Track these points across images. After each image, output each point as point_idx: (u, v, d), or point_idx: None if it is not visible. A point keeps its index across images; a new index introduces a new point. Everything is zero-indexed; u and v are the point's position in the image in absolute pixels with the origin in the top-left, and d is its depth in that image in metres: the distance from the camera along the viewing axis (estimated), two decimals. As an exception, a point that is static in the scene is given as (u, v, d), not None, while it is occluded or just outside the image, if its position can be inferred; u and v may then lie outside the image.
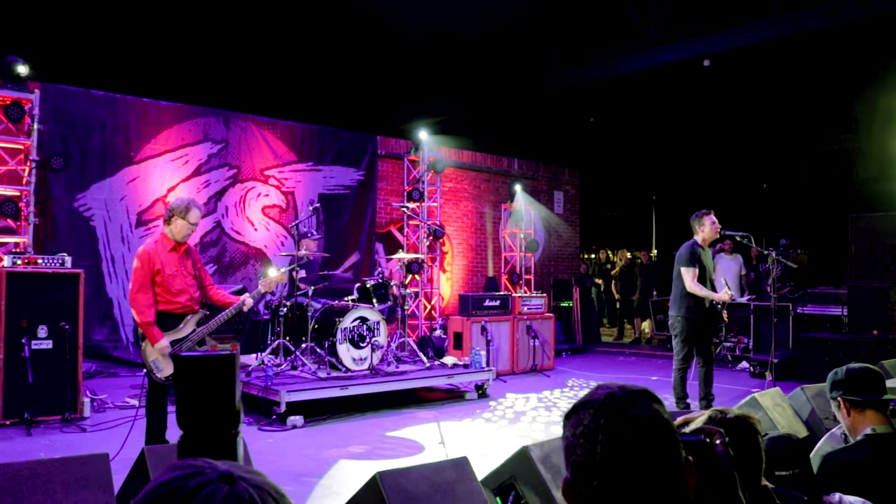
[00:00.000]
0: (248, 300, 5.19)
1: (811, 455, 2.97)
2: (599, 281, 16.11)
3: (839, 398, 2.93)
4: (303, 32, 11.13)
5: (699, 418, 2.15)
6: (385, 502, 2.94)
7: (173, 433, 5.25)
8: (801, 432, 5.22)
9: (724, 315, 7.11)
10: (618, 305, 16.00)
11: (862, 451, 2.75)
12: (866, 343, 8.80)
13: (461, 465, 3.34)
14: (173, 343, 4.98)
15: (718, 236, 7.07)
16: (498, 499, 3.52)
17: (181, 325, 5.01)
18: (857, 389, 2.89)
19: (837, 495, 2.05)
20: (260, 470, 0.82)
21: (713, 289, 7.11)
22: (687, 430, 1.51)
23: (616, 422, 1.08)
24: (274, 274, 5.54)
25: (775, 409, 5.20)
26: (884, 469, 2.65)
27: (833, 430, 3.75)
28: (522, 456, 3.46)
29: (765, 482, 1.98)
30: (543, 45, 11.41)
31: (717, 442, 1.37)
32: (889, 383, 4.46)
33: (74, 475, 2.96)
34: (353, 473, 5.26)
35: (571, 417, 1.14)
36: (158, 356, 4.92)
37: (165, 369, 4.97)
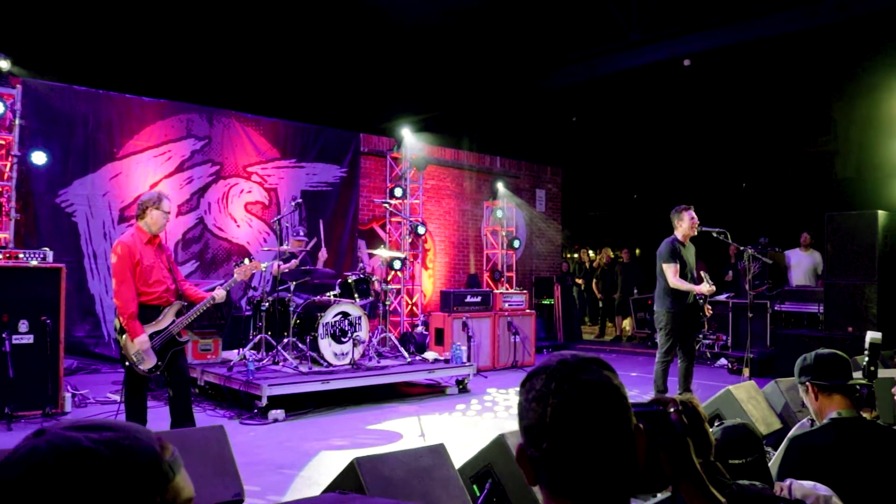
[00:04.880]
0: (219, 293, 5.19)
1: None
2: (580, 280, 16.20)
3: (807, 383, 2.98)
4: (286, 30, 11.12)
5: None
6: (363, 487, 2.97)
7: (154, 426, 5.26)
8: (775, 424, 5.32)
9: (708, 309, 7.18)
10: (599, 304, 16.11)
11: (827, 435, 2.81)
12: (841, 340, 8.90)
13: (438, 451, 3.37)
14: (153, 335, 4.99)
15: (696, 233, 7.16)
16: (475, 486, 3.55)
17: (160, 317, 5.02)
18: (826, 374, 2.95)
19: (789, 480, 2.11)
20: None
21: (695, 283, 7.20)
22: None
23: (566, 386, 1.13)
24: (249, 263, 5.54)
25: (749, 401, 5.29)
26: (847, 452, 2.72)
27: (802, 420, 3.83)
28: (499, 444, 3.49)
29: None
30: (527, 44, 11.47)
31: (671, 410, 1.43)
32: (854, 376, 4.57)
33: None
34: (334, 464, 5.28)
35: (526, 384, 1.20)
36: (140, 349, 4.94)
37: (147, 361, 4.99)
